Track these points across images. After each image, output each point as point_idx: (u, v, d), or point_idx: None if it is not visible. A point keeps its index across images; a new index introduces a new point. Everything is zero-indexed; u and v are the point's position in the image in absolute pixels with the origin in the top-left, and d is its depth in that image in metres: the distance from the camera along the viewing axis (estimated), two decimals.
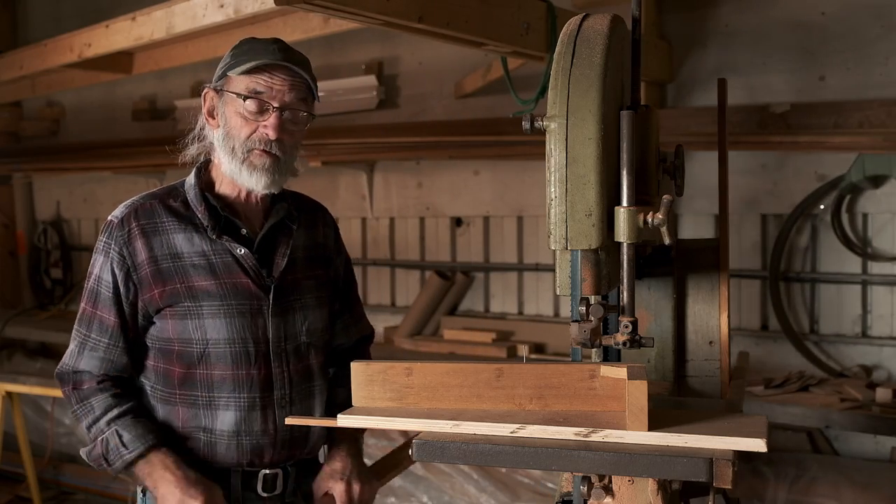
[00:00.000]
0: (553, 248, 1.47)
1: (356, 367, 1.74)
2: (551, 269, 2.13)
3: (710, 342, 1.82)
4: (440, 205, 5.08)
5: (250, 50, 1.99)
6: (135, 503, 2.19)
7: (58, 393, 4.72)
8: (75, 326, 2.06)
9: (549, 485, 4.01)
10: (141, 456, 1.97)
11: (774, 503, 3.52)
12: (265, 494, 2.06)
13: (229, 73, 1.98)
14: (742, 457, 1.42)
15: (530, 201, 4.76)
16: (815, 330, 4.06)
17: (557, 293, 1.55)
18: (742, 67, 4.10)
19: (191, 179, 2.06)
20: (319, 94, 2.09)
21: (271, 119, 1.96)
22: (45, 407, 5.66)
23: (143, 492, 2.10)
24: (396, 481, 4.38)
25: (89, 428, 2.02)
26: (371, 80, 5.09)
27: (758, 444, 1.41)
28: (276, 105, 1.96)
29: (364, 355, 2.32)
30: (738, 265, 4.13)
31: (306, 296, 2.10)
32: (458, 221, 5.06)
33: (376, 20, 2.88)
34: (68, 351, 2.06)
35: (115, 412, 2.00)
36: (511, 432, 1.52)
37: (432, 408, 1.67)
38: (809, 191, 3.97)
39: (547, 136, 1.45)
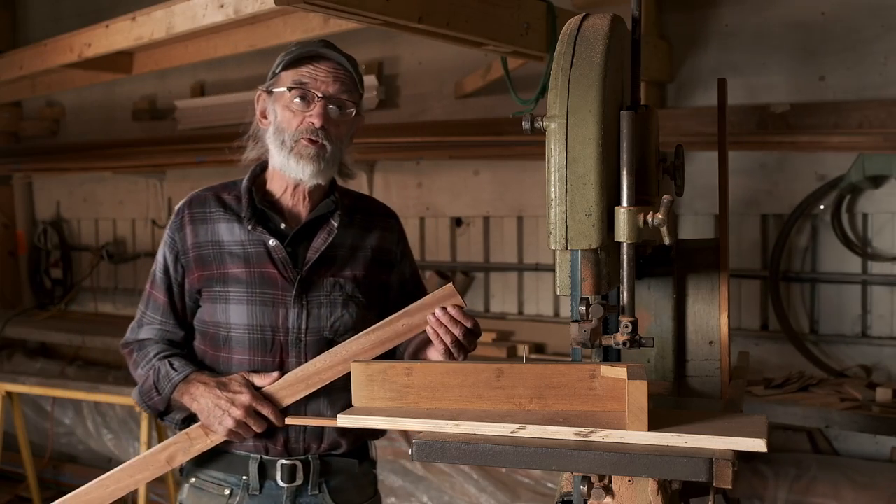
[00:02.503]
0: (553, 248, 1.47)
1: (356, 367, 1.74)
2: (551, 269, 2.12)
3: (710, 342, 1.82)
4: (440, 205, 5.07)
5: (300, 47, 2.12)
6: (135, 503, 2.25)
7: (58, 393, 4.79)
8: (139, 304, 2.24)
9: (549, 485, 4.01)
10: (185, 378, 2.07)
11: (774, 503, 3.52)
12: (284, 484, 2.10)
13: (277, 72, 2.11)
14: (742, 457, 1.42)
15: (530, 201, 4.76)
16: (815, 330, 4.06)
17: (557, 293, 1.55)
18: (742, 67, 4.10)
19: (248, 175, 2.20)
20: None
21: (316, 108, 2.06)
22: (45, 407, 5.66)
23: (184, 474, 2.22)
24: (397, 481, 4.39)
25: (144, 368, 2.15)
26: (371, 80, 5.08)
27: (758, 444, 1.41)
28: (320, 94, 2.07)
29: None
30: (738, 265, 4.13)
31: (336, 293, 2.14)
32: (458, 221, 5.06)
33: (376, 20, 2.88)
34: (130, 326, 2.24)
35: (168, 352, 2.15)
36: (511, 432, 1.52)
37: (432, 408, 1.67)
38: (809, 191, 3.97)
39: (547, 136, 1.45)
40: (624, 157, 1.49)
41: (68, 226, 6.80)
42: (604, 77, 1.44)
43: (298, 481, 2.11)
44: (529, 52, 3.38)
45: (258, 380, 2.05)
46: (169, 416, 2.14)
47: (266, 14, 3.49)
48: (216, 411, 2.01)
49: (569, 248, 1.45)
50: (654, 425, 1.45)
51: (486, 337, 4.70)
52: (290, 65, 2.08)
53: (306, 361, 2.08)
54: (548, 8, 3.38)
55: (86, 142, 6.30)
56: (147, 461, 2.11)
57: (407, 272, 2.32)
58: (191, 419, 2.12)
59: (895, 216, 3.86)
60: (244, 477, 2.11)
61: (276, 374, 2.05)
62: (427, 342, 2.08)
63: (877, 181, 3.84)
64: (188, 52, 4.63)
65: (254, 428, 2.03)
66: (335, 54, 2.10)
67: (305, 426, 2.11)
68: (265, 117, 2.15)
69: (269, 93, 2.13)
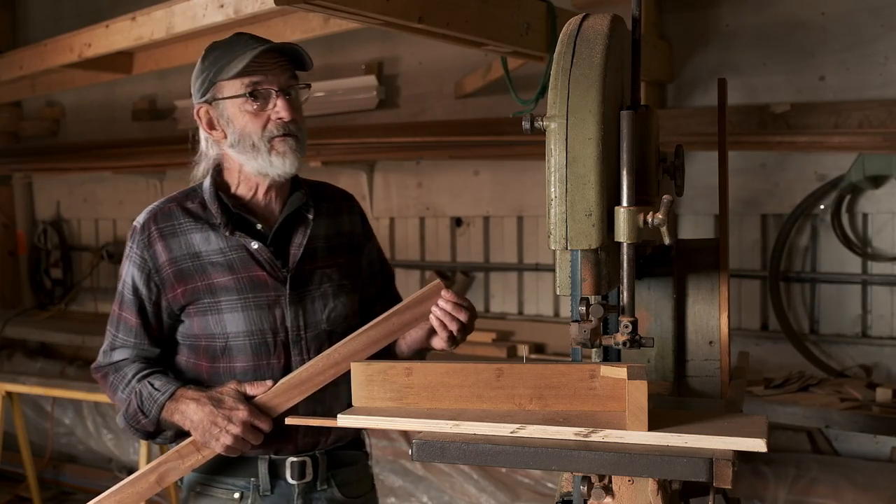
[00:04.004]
0: (553, 248, 1.47)
1: (356, 368, 1.74)
2: (551, 269, 2.14)
3: (710, 342, 1.82)
4: (440, 205, 5.07)
5: (227, 52, 2.03)
6: None
7: (58, 393, 4.79)
8: (107, 326, 2.15)
9: (549, 485, 4.01)
10: (171, 396, 2.00)
11: (774, 503, 3.52)
12: (294, 482, 2.10)
13: (217, 81, 2.03)
14: (742, 457, 1.42)
15: (530, 201, 4.76)
16: (815, 330, 4.06)
17: (557, 293, 1.55)
18: (742, 67, 4.10)
19: (207, 181, 2.13)
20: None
21: (280, 102, 2.02)
22: (45, 407, 5.66)
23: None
24: (396, 481, 4.39)
25: (124, 391, 2.06)
26: (371, 80, 5.09)
27: (758, 444, 1.41)
28: (276, 89, 2.02)
29: None
30: (738, 265, 4.13)
31: (326, 284, 2.14)
32: (458, 221, 5.06)
33: (376, 20, 2.88)
34: (101, 350, 2.16)
35: (146, 371, 2.07)
36: (511, 432, 1.52)
37: (432, 408, 1.67)
38: (809, 191, 3.97)
39: (547, 136, 1.45)
40: (624, 157, 1.49)
41: (68, 226, 6.81)
42: (604, 77, 1.44)
43: (308, 477, 2.12)
44: (529, 52, 3.38)
45: (251, 389, 2.00)
46: (161, 435, 2.07)
47: (266, 14, 3.49)
48: (213, 428, 1.96)
49: (569, 248, 1.45)
50: (654, 425, 1.45)
51: (486, 337, 4.70)
52: (238, 72, 2.00)
53: (310, 358, 2.06)
54: (548, 8, 3.38)
55: (86, 142, 6.30)
56: (136, 482, 2.04)
57: (373, 252, 2.33)
58: (184, 434, 2.06)
59: (895, 216, 3.86)
60: (253, 479, 2.09)
61: (269, 382, 2.01)
62: (424, 334, 2.10)
63: (877, 181, 3.84)
64: (188, 52, 4.62)
65: (251, 441, 1.99)
66: (270, 43, 2.03)
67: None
68: (213, 129, 2.08)
69: (211, 103, 2.06)
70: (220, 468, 2.10)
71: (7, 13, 6.86)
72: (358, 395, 1.74)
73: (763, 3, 4.08)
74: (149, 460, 4.33)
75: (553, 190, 1.44)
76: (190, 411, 1.98)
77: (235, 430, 1.95)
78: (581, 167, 1.43)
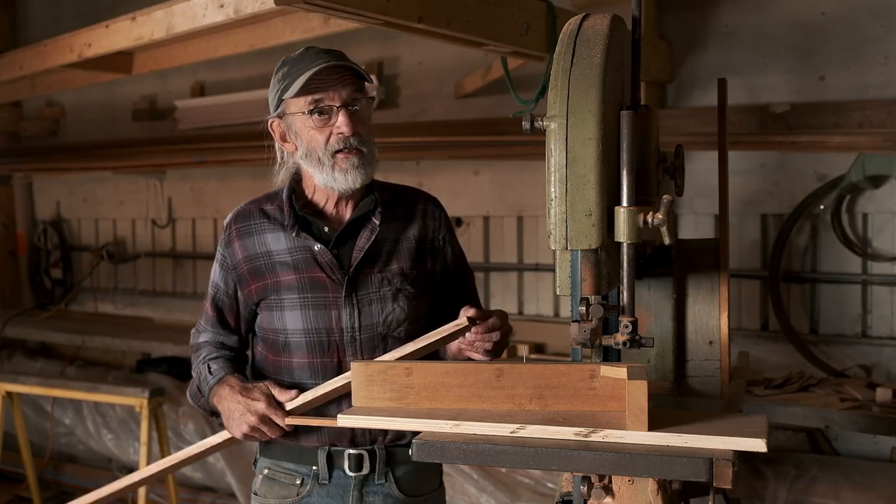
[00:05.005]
0: (553, 248, 1.47)
1: (356, 367, 1.75)
2: (551, 269, 2.14)
3: (710, 342, 1.82)
4: None
5: (293, 69, 2.11)
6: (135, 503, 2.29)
7: (58, 393, 4.79)
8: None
9: (549, 485, 4.01)
10: (218, 381, 2.17)
11: (774, 503, 3.51)
12: (352, 473, 2.18)
13: (284, 98, 2.12)
14: (742, 457, 1.42)
15: (530, 201, 4.75)
16: (815, 330, 4.06)
17: (557, 293, 1.55)
18: (742, 67, 4.10)
19: (286, 186, 2.25)
20: None
21: (340, 118, 2.10)
22: (45, 407, 5.66)
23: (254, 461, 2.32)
24: None
25: (194, 370, 2.27)
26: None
27: (758, 444, 1.41)
28: (338, 104, 2.10)
29: None
30: (738, 265, 4.13)
31: (386, 288, 2.19)
32: (457, 221, 5.05)
33: (376, 20, 2.88)
34: (192, 331, 2.37)
35: (212, 355, 2.25)
36: (511, 432, 1.52)
37: (432, 408, 1.67)
38: (809, 191, 3.97)
39: (547, 136, 1.45)
40: (624, 157, 1.49)
41: (68, 226, 6.80)
42: (604, 77, 1.45)
43: (365, 470, 2.18)
44: (529, 52, 3.38)
45: (279, 395, 2.11)
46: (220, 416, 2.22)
47: (266, 14, 3.49)
48: (234, 414, 2.10)
49: (569, 248, 1.45)
50: (654, 425, 1.45)
51: None
52: (298, 91, 2.08)
53: (363, 359, 2.13)
54: (548, 8, 3.38)
55: (86, 142, 6.30)
56: (184, 461, 2.34)
57: (450, 257, 2.35)
58: None
59: (895, 216, 3.86)
60: (314, 467, 2.18)
61: (294, 391, 2.12)
62: (457, 347, 2.16)
63: (877, 181, 3.83)
64: (188, 52, 4.63)
65: (268, 434, 2.10)
66: (332, 59, 2.10)
67: None
68: (286, 141, 2.19)
69: (281, 117, 2.16)
70: (285, 455, 2.22)
71: (7, 13, 6.86)
72: (358, 395, 1.74)
73: (763, 2, 4.08)
74: (148, 461, 4.33)
75: (553, 190, 1.44)
76: (223, 396, 2.13)
77: (250, 419, 2.07)
78: (581, 167, 1.43)
